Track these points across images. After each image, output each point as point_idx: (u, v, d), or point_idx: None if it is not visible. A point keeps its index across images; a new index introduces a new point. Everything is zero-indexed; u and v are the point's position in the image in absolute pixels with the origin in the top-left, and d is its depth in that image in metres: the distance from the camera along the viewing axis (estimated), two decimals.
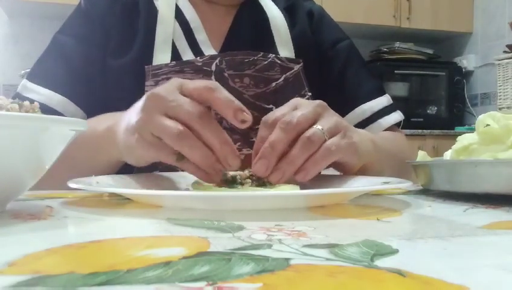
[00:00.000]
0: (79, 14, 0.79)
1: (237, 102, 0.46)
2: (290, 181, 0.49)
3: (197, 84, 0.47)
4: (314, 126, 0.48)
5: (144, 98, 0.49)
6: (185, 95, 0.47)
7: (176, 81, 0.49)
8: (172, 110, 0.46)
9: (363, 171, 0.59)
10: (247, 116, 0.46)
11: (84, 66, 0.74)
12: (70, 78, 0.73)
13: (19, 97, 0.71)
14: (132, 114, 0.50)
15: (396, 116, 0.82)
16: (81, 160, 0.61)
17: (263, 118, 0.50)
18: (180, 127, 0.45)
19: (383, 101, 0.82)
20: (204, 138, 0.45)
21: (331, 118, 0.50)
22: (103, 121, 0.61)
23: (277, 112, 0.50)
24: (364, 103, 0.81)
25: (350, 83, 0.83)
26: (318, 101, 0.51)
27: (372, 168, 0.60)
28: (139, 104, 0.49)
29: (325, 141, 0.48)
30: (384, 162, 0.66)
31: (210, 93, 0.46)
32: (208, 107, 0.47)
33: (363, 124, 0.80)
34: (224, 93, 0.46)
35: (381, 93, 0.83)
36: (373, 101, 0.81)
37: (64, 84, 0.73)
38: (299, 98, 0.53)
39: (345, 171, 0.57)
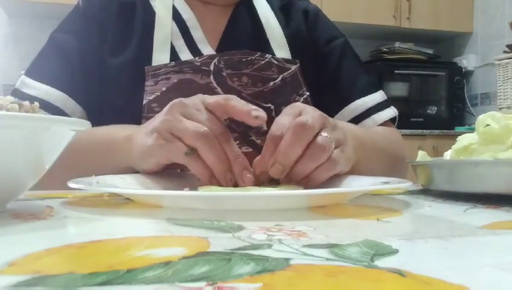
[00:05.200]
0: (76, 13, 0.79)
1: (250, 106, 0.49)
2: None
3: (216, 97, 0.51)
4: (323, 134, 0.48)
5: (168, 105, 0.51)
6: (206, 109, 0.50)
7: (198, 96, 0.52)
8: (198, 119, 0.49)
9: (352, 169, 0.59)
10: (259, 113, 0.48)
11: (82, 63, 0.74)
12: (69, 74, 0.73)
13: (17, 93, 0.71)
14: (154, 121, 0.53)
15: (391, 112, 0.82)
16: (90, 163, 0.62)
17: (270, 132, 0.49)
18: (204, 127, 0.47)
19: (377, 97, 0.82)
20: (222, 147, 0.48)
21: (333, 130, 0.51)
22: (119, 129, 0.63)
23: (283, 124, 0.49)
24: (358, 98, 0.81)
25: (344, 79, 0.83)
26: (319, 112, 0.52)
27: (359, 165, 0.60)
28: (161, 112, 0.52)
29: (333, 149, 0.49)
30: (373, 158, 0.66)
31: (227, 101, 0.49)
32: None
33: (356, 119, 0.80)
34: (240, 101, 0.49)
35: (375, 89, 0.83)
36: (367, 97, 0.81)
37: (64, 80, 0.72)
38: (299, 104, 0.53)
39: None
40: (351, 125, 0.70)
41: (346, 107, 0.81)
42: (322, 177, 0.49)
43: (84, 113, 0.74)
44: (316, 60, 0.83)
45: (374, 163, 0.66)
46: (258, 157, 0.50)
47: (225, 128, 0.49)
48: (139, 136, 0.56)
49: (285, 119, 0.49)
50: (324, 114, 0.52)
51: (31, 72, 0.74)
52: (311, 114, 0.49)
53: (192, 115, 0.49)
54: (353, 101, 0.81)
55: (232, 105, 0.49)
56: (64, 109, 0.71)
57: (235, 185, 0.49)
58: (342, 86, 0.82)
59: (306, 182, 0.48)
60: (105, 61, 0.75)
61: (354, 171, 0.58)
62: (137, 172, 0.56)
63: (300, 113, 0.50)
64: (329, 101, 0.80)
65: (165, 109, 0.51)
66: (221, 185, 0.49)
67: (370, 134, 0.72)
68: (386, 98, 0.83)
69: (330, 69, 0.83)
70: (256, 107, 0.49)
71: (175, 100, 0.51)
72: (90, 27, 0.76)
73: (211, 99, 0.51)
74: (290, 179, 0.49)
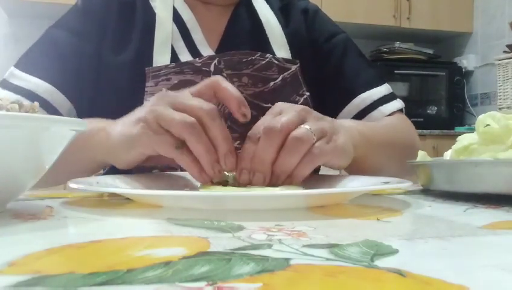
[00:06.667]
0: (75, 10, 0.79)
1: (241, 96, 0.50)
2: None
3: (202, 82, 0.52)
4: (302, 126, 0.48)
5: (153, 96, 0.51)
6: (193, 94, 0.50)
7: (185, 90, 0.52)
8: (183, 105, 0.48)
9: (359, 165, 0.58)
10: (248, 112, 0.50)
11: (75, 59, 0.74)
12: (60, 68, 0.73)
13: (5, 84, 0.71)
14: (137, 112, 0.52)
15: (397, 104, 0.81)
16: (62, 158, 0.59)
17: (248, 133, 0.49)
18: (191, 118, 0.47)
19: (382, 89, 0.81)
20: (210, 133, 0.47)
21: (316, 121, 0.50)
22: (94, 122, 0.60)
23: (260, 125, 0.49)
24: (363, 92, 0.80)
25: (348, 74, 0.82)
26: (301, 106, 0.51)
27: (366, 161, 0.59)
28: (146, 103, 0.51)
29: (314, 141, 0.47)
30: (381, 153, 0.65)
31: (217, 83, 0.51)
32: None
33: (363, 112, 0.79)
34: (230, 85, 0.51)
35: (380, 82, 0.82)
36: (372, 90, 0.80)
37: (53, 73, 0.72)
38: (282, 103, 0.52)
39: (334, 169, 0.57)
40: (354, 122, 0.69)
41: (351, 102, 0.79)
42: (304, 171, 0.47)
43: (73, 109, 0.73)
44: (316, 58, 0.83)
45: (382, 158, 0.65)
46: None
47: (213, 106, 0.48)
48: (117, 127, 0.54)
49: (263, 121, 0.49)
50: (307, 108, 0.51)
51: (21, 64, 0.73)
52: (288, 114, 0.48)
53: (178, 103, 0.48)
54: (358, 94, 0.80)
55: (222, 87, 0.50)
56: (51, 101, 0.70)
57: (235, 184, 0.49)
58: (346, 80, 0.82)
59: (290, 181, 0.47)
60: (104, 60, 0.74)
61: (362, 167, 0.58)
62: (112, 169, 0.55)
63: (280, 113, 0.49)
64: (334, 97, 0.80)
65: (151, 100, 0.51)
66: (220, 185, 0.48)
67: (377, 128, 0.71)
68: (391, 90, 0.83)
69: (333, 65, 0.83)
70: (244, 102, 0.50)
71: (160, 92, 0.51)
72: (89, 25, 0.76)
73: (197, 85, 0.51)
74: (275, 181, 0.47)
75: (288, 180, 0.48)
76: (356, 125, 0.64)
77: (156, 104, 0.49)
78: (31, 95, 0.69)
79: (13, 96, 0.68)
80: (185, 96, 0.49)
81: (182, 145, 0.47)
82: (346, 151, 0.53)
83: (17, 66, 0.73)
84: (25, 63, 0.73)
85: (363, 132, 0.63)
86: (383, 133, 0.71)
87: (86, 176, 0.66)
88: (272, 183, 0.47)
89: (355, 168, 0.59)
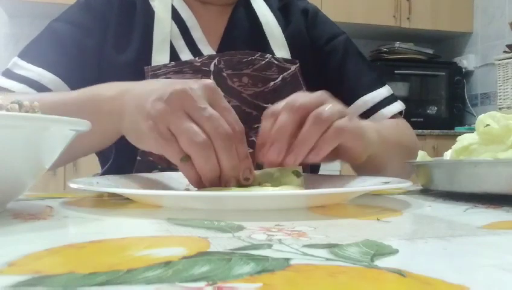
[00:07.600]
0: (77, 5, 0.79)
1: (249, 160, 0.47)
2: (297, 179, 0.49)
3: (227, 111, 0.47)
4: (322, 106, 0.49)
5: (169, 88, 0.46)
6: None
7: (207, 87, 0.48)
8: (199, 118, 0.45)
9: (369, 162, 0.58)
10: (251, 176, 0.48)
11: (78, 52, 0.74)
12: (63, 60, 0.73)
13: (9, 73, 0.71)
14: (148, 96, 0.48)
15: (398, 105, 0.82)
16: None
17: (265, 112, 0.51)
18: (204, 136, 0.44)
19: (383, 92, 0.82)
20: (218, 155, 0.45)
21: (336, 104, 0.52)
22: (107, 88, 0.57)
23: (277, 106, 0.51)
24: (365, 94, 0.81)
25: (349, 76, 0.83)
26: (321, 92, 0.53)
27: (377, 159, 0.59)
28: (161, 90, 0.47)
29: (335, 118, 0.49)
30: (391, 153, 0.66)
31: (236, 134, 0.46)
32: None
33: (365, 115, 0.80)
34: (245, 145, 0.47)
35: (381, 84, 0.83)
36: (373, 92, 0.81)
37: (57, 65, 0.72)
38: (298, 93, 0.53)
39: (351, 159, 0.57)
40: (369, 122, 0.70)
41: (353, 104, 0.80)
42: (328, 145, 0.49)
43: None
44: (316, 59, 0.83)
45: (391, 158, 0.66)
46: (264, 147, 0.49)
47: (228, 129, 0.45)
48: (130, 104, 0.51)
49: (278, 105, 0.51)
50: (325, 93, 0.53)
51: (25, 55, 0.73)
52: (308, 95, 0.50)
53: (194, 112, 0.45)
54: (360, 97, 0.80)
55: (238, 144, 0.47)
56: (55, 91, 0.70)
57: (235, 185, 0.49)
58: (347, 83, 0.82)
59: (315, 155, 0.48)
60: (106, 57, 0.75)
61: (375, 164, 0.58)
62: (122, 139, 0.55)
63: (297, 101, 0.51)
64: (336, 99, 0.80)
65: (167, 91, 0.46)
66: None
67: (387, 128, 0.72)
68: (392, 92, 0.84)
69: (334, 67, 0.83)
70: (251, 167, 0.47)
71: (178, 87, 0.46)
72: (91, 21, 0.76)
73: (221, 104, 0.48)
74: (294, 159, 0.49)
75: (313, 154, 0.48)
76: (371, 123, 0.65)
77: (169, 102, 0.45)
78: (35, 85, 0.69)
79: (18, 85, 0.69)
80: (205, 106, 0.46)
81: (186, 159, 0.45)
82: (365, 138, 0.54)
83: (20, 56, 0.73)
84: (28, 54, 0.73)
85: (379, 130, 0.63)
86: (393, 133, 0.72)
87: (95, 150, 0.65)
88: (294, 160, 0.48)
89: (365, 163, 0.60)
